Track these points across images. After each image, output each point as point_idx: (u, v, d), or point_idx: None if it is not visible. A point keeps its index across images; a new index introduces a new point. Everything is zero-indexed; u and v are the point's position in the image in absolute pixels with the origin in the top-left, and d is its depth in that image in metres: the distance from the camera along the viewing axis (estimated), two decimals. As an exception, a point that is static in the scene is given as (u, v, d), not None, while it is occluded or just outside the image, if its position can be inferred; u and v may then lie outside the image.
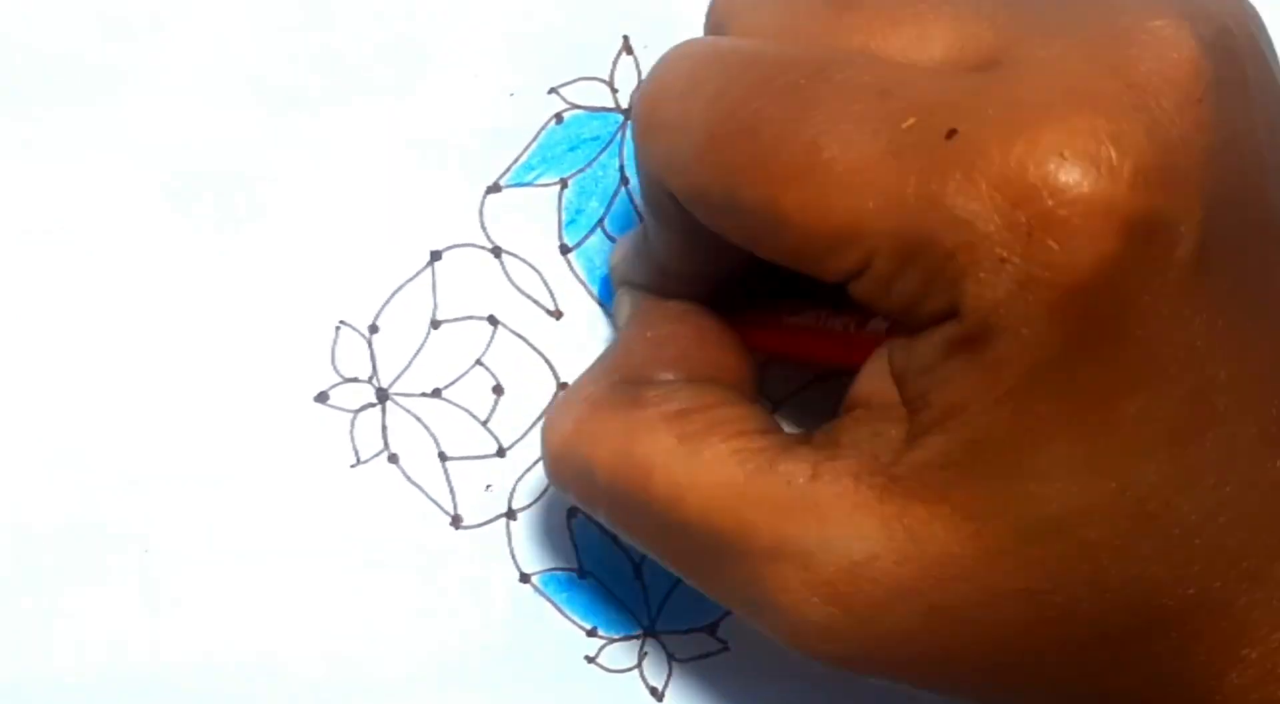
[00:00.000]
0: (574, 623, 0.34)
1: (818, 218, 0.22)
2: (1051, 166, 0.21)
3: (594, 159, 0.33)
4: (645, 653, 0.34)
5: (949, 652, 0.24)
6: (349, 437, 0.33)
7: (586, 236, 0.33)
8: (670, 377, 0.28)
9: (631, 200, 0.33)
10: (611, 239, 0.33)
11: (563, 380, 0.33)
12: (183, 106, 0.32)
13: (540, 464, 0.33)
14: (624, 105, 0.33)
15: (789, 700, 0.34)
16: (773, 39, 0.24)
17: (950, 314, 0.22)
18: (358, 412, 0.33)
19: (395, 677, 0.33)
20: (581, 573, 0.34)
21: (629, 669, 0.34)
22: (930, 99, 0.22)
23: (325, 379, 0.33)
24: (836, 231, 0.22)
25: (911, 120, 0.22)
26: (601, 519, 0.28)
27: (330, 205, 0.32)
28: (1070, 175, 0.21)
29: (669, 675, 0.34)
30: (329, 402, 0.33)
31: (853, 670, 0.25)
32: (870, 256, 0.22)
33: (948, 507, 0.23)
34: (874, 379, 0.24)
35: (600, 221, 0.33)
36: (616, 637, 0.34)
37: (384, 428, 0.33)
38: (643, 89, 0.26)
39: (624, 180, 0.33)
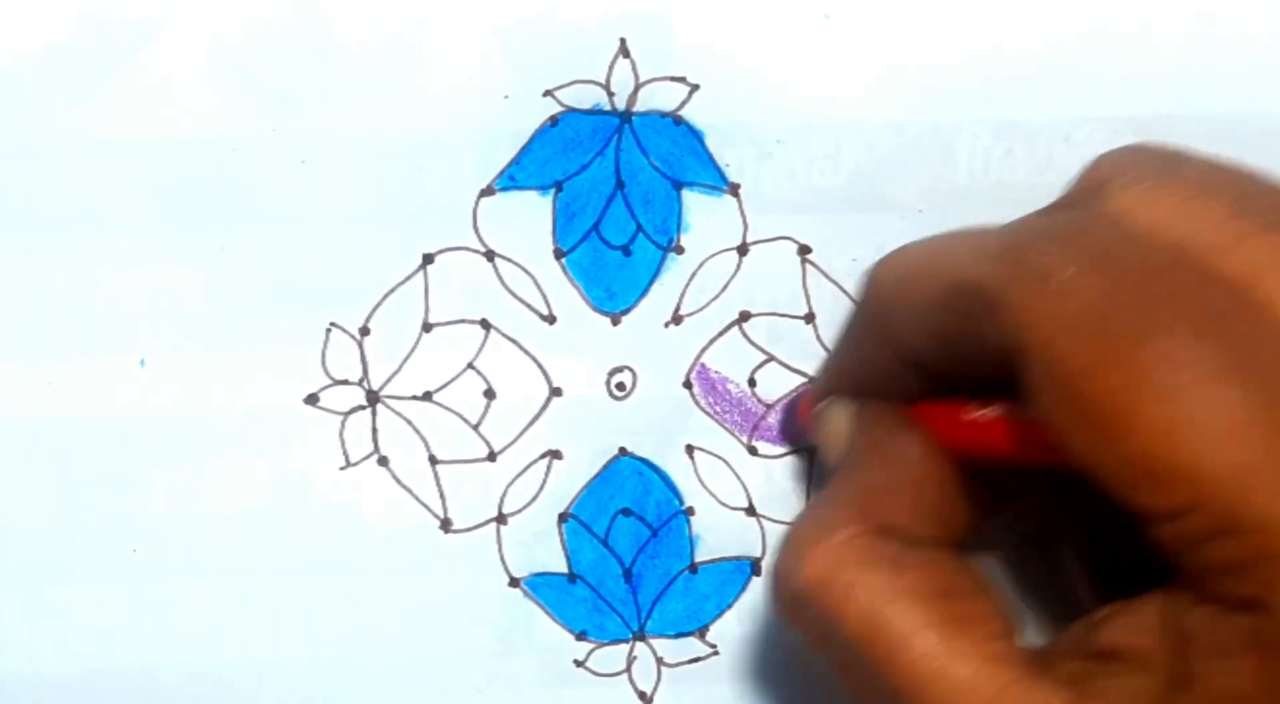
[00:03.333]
0: (563, 627, 0.34)
1: (1164, 450, 0.22)
2: None
3: (589, 163, 0.33)
4: (635, 657, 0.34)
5: None
6: (339, 439, 0.33)
7: (580, 241, 0.33)
8: (925, 531, 0.27)
9: (629, 207, 0.33)
10: (606, 243, 0.33)
11: (555, 385, 0.33)
12: (176, 107, 0.32)
13: (530, 469, 0.33)
14: (620, 108, 0.32)
15: (778, 705, 0.34)
16: (1164, 234, 0.24)
17: (1253, 604, 0.22)
18: (348, 414, 0.33)
19: (384, 680, 0.33)
20: (571, 577, 0.34)
21: (618, 674, 0.34)
22: None
23: (315, 381, 0.33)
24: (1175, 471, 0.22)
25: None
26: (822, 659, 0.27)
27: (323, 207, 0.32)
28: None
29: (658, 680, 0.34)
30: (319, 404, 0.33)
31: None
32: (1193, 508, 0.22)
33: None
34: (1145, 630, 0.24)
35: (594, 226, 0.33)
36: (606, 641, 0.34)
37: (374, 430, 0.33)
38: (1028, 228, 0.25)
39: (619, 184, 0.33)
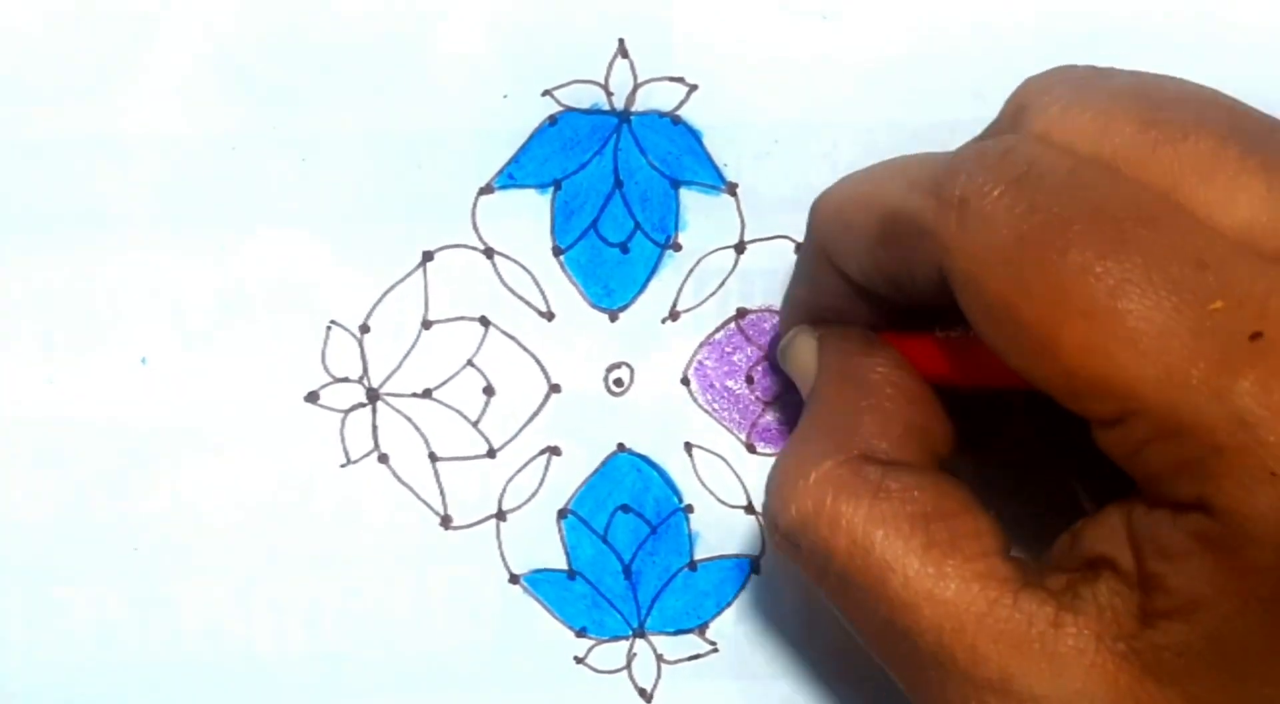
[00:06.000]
0: (563, 624, 0.34)
1: (1093, 362, 0.22)
2: None
3: (587, 161, 0.33)
4: (634, 654, 0.34)
5: None
6: (339, 436, 0.33)
7: (579, 238, 0.33)
8: (904, 456, 0.27)
9: (627, 205, 0.33)
10: (604, 241, 0.33)
11: (554, 381, 0.33)
12: (176, 106, 0.32)
13: (529, 465, 0.33)
14: (618, 108, 0.33)
15: (778, 702, 0.34)
16: (1082, 150, 0.24)
17: (1197, 504, 0.22)
18: (348, 412, 0.33)
19: (384, 676, 0.33)
20: (571, 574, 0.34)
21: (618, 670, 0.34)
22: (1241, 286, 0.22)
23: (316, 379, 0.33)
24: (1106, 382, 0.22)
25: (1219, 303, 0.22)
26: (824, 595, 0.28)
27: (323, 205, 0.32)
28: None
29: (658, 677, 0.34)
30: (319, 401, 0.33)
31: None
32: (1130, 416, 0.22)
33: (1180, 693, 0.23)
34: (1114, 538, 0.24)
35: (593, 223, 0.33)
36: (605, 638, 0.34)
37: (374, 428, 0.33)
38: (955, 156, 0.25)
39: (618, 183, 0.33)
